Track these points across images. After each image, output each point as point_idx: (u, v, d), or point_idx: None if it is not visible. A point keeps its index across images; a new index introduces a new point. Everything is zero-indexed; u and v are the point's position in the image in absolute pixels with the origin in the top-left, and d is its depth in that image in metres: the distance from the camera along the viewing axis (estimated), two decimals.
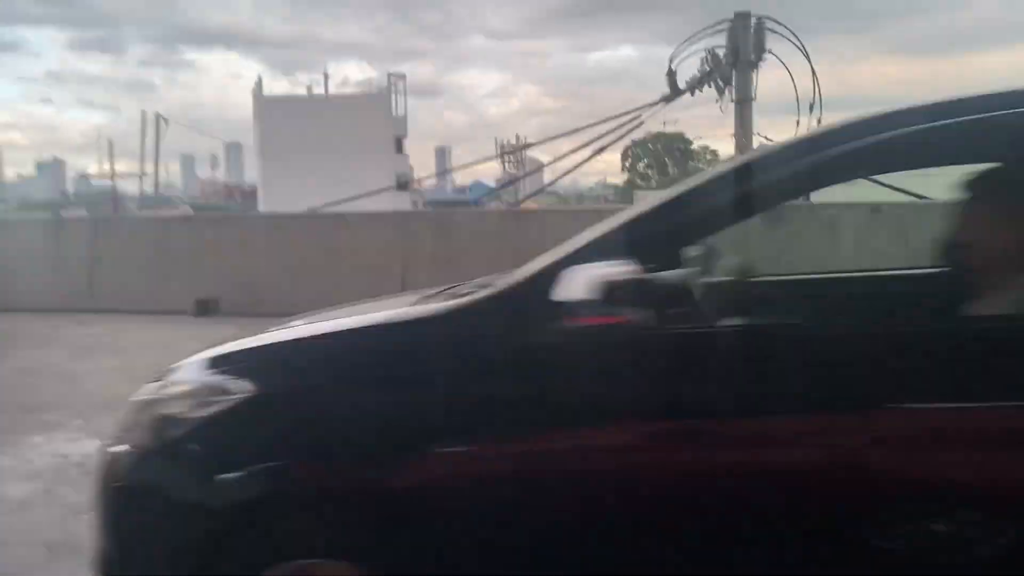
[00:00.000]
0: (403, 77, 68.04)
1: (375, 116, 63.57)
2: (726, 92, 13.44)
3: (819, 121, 12.29)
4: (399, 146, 66.54)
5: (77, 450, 4.95)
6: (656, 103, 14.58)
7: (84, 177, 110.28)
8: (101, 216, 19.32)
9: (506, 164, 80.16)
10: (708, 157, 78.63)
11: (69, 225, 14.32)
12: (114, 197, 49.53)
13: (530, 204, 25.09)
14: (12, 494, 4.25)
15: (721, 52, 13.66)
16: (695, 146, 79.13)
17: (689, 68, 14.39)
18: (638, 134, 16.48)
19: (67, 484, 4.34)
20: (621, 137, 15.44)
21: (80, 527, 3.72)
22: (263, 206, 55.71)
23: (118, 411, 4.95)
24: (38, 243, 12.51)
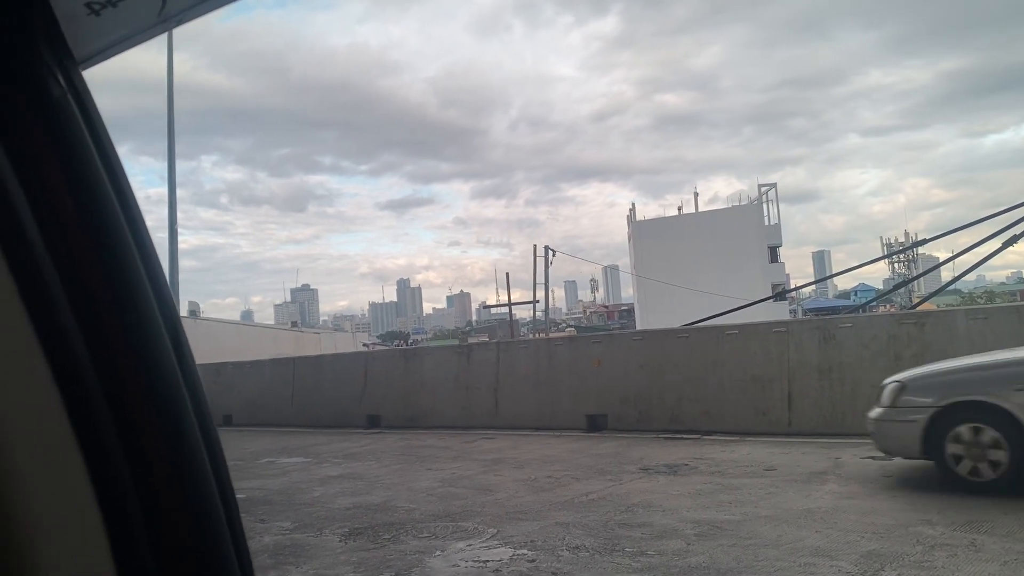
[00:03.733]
0: (774, 186, 67.12)
1: (746, 227, 63.19)
2: None
3: None
4: (773, 255, 65.02)
5: (493, 556, 5.39)
6: None
7: (485, 307, 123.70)
8: (502, 340, 21.34)
9: (895, 264, 74.09)
10: None
11: (475, 350, 16.11)
12: (511, 322, 54.61)
13: (927, 306, 22.72)
14: None
15: None
16: None
17: None
18: None
19: None
20: None
21: None
22: (639, 323, 57.56)
23: (525, 520, 5.29)
24: (452, 366, 14.22)
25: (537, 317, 55.67)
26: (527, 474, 8.58)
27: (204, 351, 25.74)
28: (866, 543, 5.02)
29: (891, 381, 7.03)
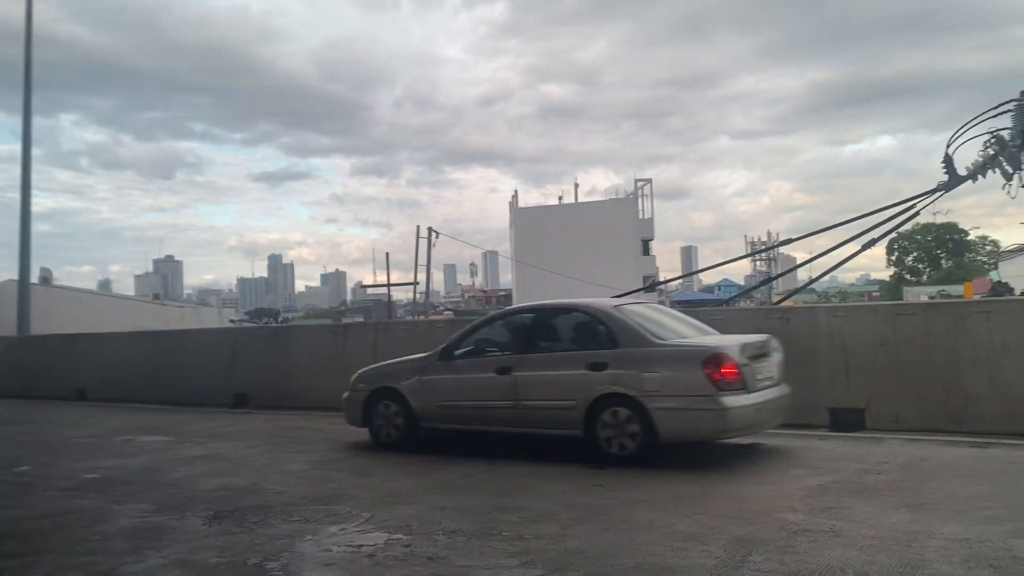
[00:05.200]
0: (649, 182, 69.14)
1: (622, 220, 64.92)
2: (1016, 176, 12.20)
3: None
4: (646, 248, 67.10)
5: (367, 541, 5.26)
6: (935, 191, 13.50)
7: (362, 287, 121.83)
8: (380, 321, 20.98)
9: (757, 262, 77.91)
10: (988, 247, 71.22)
11: (351, 330, 15.76)
12: (389, 303, 53.97)
13: (787, 303, 23.92)
14: None
15: (1006, 134, 12.50)
16: (972, 236, 71.97)
17: (960, 155, 13.30)
18: (905, 225, 15.33)
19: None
20: (895, 229, 14.43)
21: None
22: None
23: (400, 504, 5.15)
24: (327, 346, 13.85)
25: (417, 299, 55.28)
26: (402, 457, 8.45)
27: (56, 321, 24.13)
28: (734, 528, 5.20)
29: (356, 373, 9.67)
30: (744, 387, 7.30)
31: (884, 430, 8.79)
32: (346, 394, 9.53)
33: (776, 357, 8.08)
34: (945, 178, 13.62)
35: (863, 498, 5.90)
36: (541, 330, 8.82)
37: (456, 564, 4.70)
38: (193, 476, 7.85)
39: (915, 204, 13.71)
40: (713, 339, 8.02)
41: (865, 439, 8.48)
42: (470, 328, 9.19)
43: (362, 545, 5.19)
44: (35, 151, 22.72)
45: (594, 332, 8.13)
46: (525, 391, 8.16)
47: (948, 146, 13.08)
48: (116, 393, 15.73)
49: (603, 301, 8.99)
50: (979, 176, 12.86)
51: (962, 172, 13.59)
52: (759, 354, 7.72)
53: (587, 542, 5.05)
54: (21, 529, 5.93)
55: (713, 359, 7.27)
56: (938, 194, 13.46)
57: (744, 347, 7.52)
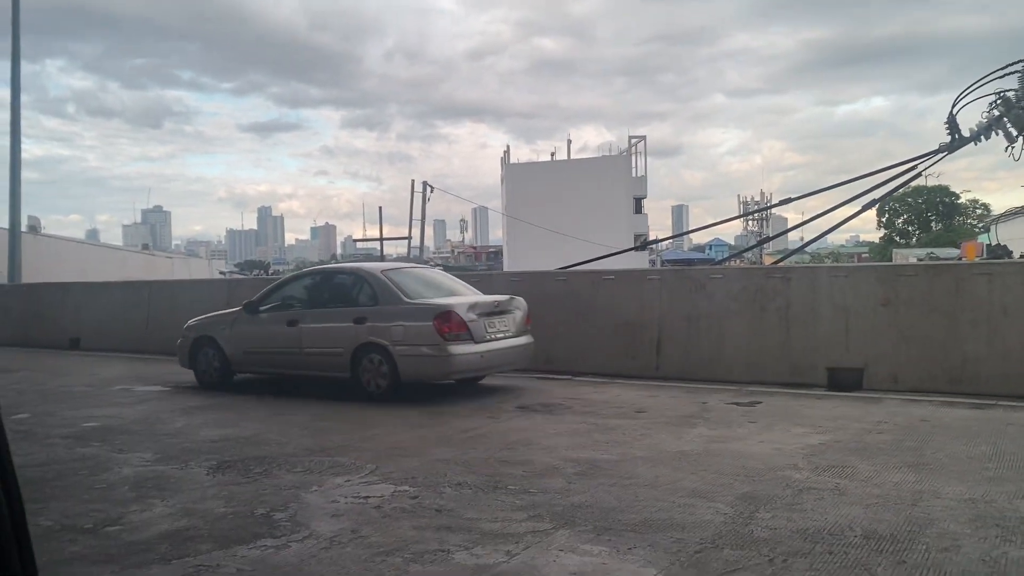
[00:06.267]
0: (643, 138, 68.58)
1: (615, 178, 64.47)
2: (1020, 139, 12.10)
3: None
4: (638, 206, 66.80)
5: (373, 492, 5.26)
6: (937, 152, 13.40)
7: (353, 241, 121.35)
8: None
9: (749, 222, 77.79)
10: (979, 211, 71.31)
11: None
12: (382, 258, 53.78)
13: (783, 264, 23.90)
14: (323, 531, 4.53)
15: (1012, 96, 12.38)
16: (963, 199, 71.95)
17: (959, 117, 13.18)
18: (891, 185, 15.17)
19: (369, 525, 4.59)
20: (897, 189, 14.38)
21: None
22: (507, 265, 58.09)
23: (404, 456, 5.12)
24: None
25: (404, 255, 55.05)
26: (401, 410, 8.45)
27: (45, 270, 23.92)
28: (740, 486, 5.22)
29: (187, 323, 10.93)
30: (471, 338, 8.81)
31: (882, 390, 8.83)
32: (179, 340, 10.89)
33: (517, 314, 9.58)
34: (947, 139, 13.55)
35: (866, 457, 5.94)
36: (324, 289, 10.20)
37: (464, 516, 4.70)
38: (193, 426, 7.83)
39: (916, 165, 13.66)
40: (451, 299, 9.34)
41: (864, 399, 8.52)
42: (272, 287, 10.56)
43: (368, 497, 5.19)
44: (22, 97, 22.28)
45: (361, 292, 9.56)
46: (307, 340, 9.61)
47: (953, 106, 12.96)
48: (110, 342, 15.65)
49: (373, 265, 10.76)
50: (982, 138, 12.78)
51: (962, 134, 13.50)
52: (494, 311, 9.24)
53: (593, 497, 5.06)
54: (24, 476, 5.84)
55: (442, 315, 8.77)
56: (941, 155, 13.38)
57: (474, 305, 9.05)
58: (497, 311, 9.31)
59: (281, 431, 7.48)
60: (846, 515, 4.53)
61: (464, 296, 9.65)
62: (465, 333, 8.78)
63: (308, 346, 9.61)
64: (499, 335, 9.21)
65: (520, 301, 9.78)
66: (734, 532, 4.31)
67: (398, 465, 6.00)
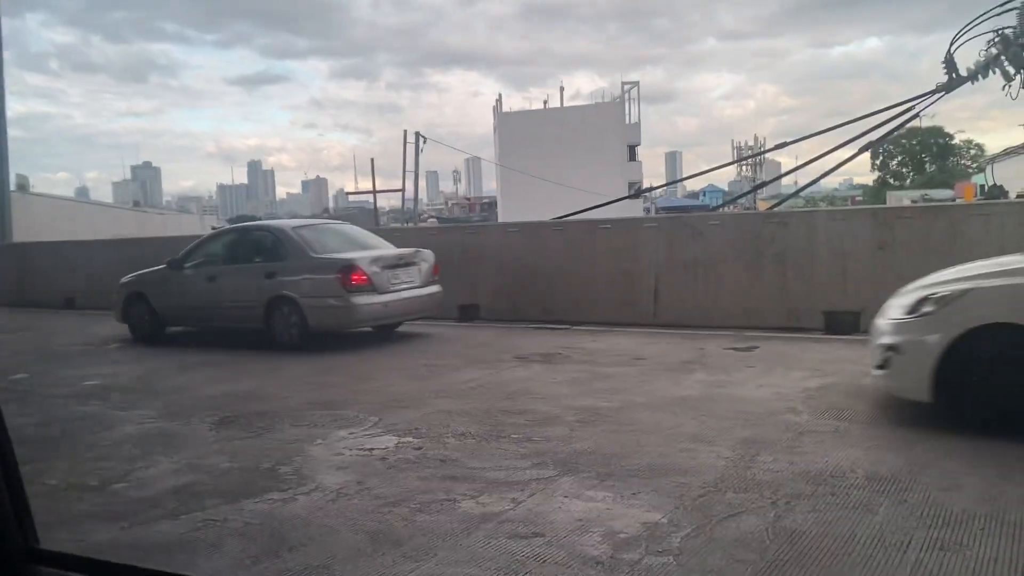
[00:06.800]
0: (636, 84, 67.82)
1: (608, 125, 63.88)
2: (1018, 76, 11.98)
3: None
4: (632, 154, 66.35)
5: (378, 444, 5.29)
6: (934, 92, 13.27)
7: (345, 194, 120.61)
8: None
9: (743, 168, 77.43)
10: (972, 152, 71.02)
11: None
12: (375, 210, 53.53)
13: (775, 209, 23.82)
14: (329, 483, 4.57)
15: (1010, 33, 12.22)
16: (957, 140, 71.59)
17: (956, 56, 13.01)
18: (888, 127, 14.93)
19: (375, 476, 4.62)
20: (895, 131, 14.27)
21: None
22: (502, 216, 57.84)
23: (406, 408, 5.11)
24: None
25: (397, 207, 54.77)
26: (402, 362, 8.47)
27: (36, 230, 23.69)
28: (740, 430, 5.26)
29: (121, 279, 11.23)
30: (374, 289, 9.26)
31: None
32: (113, 296, 11.34)
33: (423, 266, 9.99)
34: (943, 79, 13.40)
35: (864, 400, 5.98)
36: (240, 246, 10.71)
37: (469, 466, 4.74)
38: (194, 383, 7.85)
39: (914, 106, 13.54)
40: (355, 253, 9.65)
41: (860, 342, 8.53)
42: (195, 244, 10.95)
43: (373, 449, 5.22)
44: (4, 53, 21.84)
45: (273, 248, 10.01)
46: (226, 295, 10.05)
47: (951, 45, 12.79)
48: (104, 301, 15.56)
49: (284, 223, 11.51)
50: (979, 77, 12.65)
51: (959, 73, 13.35)
52: (398, 264, 9.71)
53: (595, 443, 5.10)
54: (27, 436, 5.91)
55: (345, 268, 9.21)
56: (939, 95, 13.26)
57: (377, 259, 9.51)
58: (401, 263, 9.79)
59: (283, 385, 7.50)
60: (847, 457, 4.58)
61: (369, 251, 10.00)
62: (367, 285, 9.27)
63: (226, 300, 10.07)
64: (403, 286, 9.67)
65: (427, 253, 10.17)
66: (736, 476, 4.35)
67: (401, 417, 6.03)
